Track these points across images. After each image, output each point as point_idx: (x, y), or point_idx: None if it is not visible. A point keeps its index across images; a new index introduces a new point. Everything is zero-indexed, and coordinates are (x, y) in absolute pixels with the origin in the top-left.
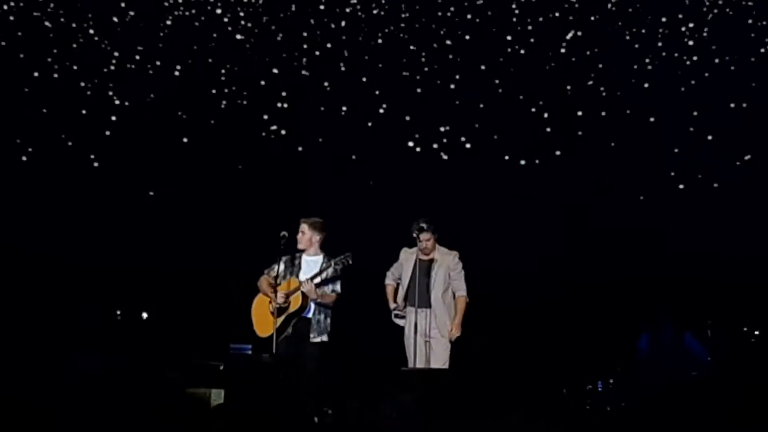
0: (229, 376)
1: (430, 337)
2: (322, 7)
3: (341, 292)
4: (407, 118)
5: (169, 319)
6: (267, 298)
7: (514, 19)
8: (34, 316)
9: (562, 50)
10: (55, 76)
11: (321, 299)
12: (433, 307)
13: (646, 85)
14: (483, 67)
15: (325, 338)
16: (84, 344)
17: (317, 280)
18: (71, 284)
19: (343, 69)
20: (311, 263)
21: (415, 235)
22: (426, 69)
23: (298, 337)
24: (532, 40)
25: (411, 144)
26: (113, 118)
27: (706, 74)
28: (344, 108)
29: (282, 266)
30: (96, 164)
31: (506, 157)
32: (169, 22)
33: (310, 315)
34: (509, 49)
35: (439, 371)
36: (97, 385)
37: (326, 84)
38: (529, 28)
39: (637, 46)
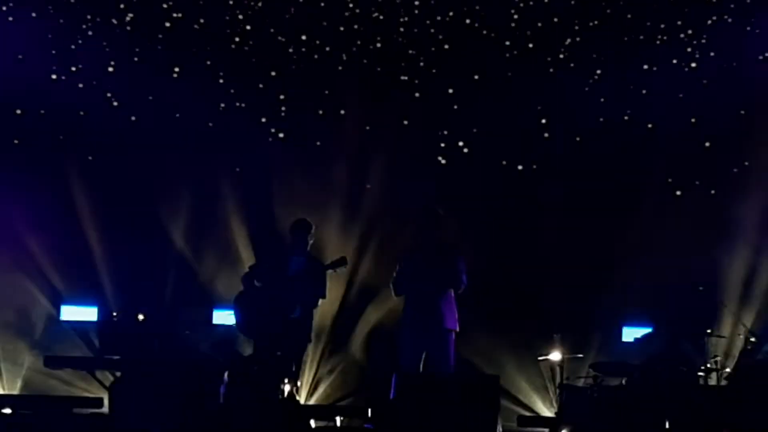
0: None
1: (430, 334)
2: (320, 9)
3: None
4: (405, 122)
5: (165, 319)
6: None
7: (513, 24)
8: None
9: (561, 56)
10: (53, 77)
11: None
12: (430, 297)
13: (644, 91)
14: (481, 72)
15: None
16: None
17: None
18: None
19: (340, 71)
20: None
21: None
22: (424, 73)
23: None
24: (530, 45)
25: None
26: (110, 117)
27: (704, 81)
28: (341, 111)
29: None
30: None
31: (503, 162)
32: (167, 24)
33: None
34: (507, 54)
35: (439, 375)
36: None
37: (324, 87)
38: (528, 33)
39: (635, 52)
